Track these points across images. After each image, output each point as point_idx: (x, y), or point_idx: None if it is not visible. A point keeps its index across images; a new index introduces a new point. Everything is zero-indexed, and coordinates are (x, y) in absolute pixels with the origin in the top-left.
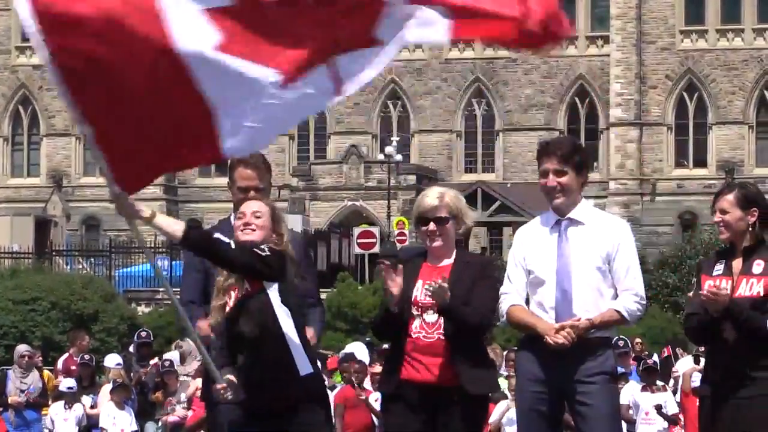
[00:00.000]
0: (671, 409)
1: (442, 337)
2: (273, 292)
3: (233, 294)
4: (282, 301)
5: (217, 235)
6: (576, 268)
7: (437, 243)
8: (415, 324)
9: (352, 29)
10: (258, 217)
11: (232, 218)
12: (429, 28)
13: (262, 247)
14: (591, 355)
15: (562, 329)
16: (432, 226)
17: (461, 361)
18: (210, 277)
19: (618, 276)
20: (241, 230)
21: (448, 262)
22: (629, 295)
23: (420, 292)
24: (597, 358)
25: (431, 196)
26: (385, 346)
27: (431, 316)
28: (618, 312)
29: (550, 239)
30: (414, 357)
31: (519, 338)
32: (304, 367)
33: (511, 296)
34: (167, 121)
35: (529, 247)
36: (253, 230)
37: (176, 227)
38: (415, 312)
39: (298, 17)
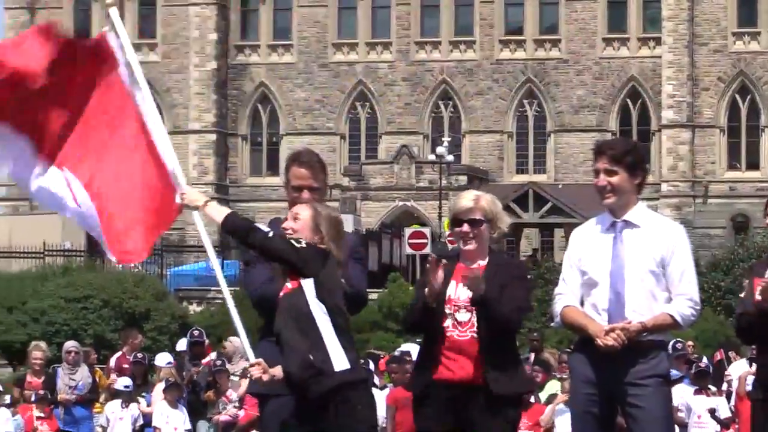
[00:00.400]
0: (724, 413)
1: (475, 336)
2: (309, 288)
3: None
4: (317, 296)
5: (257, 224)
6: (630, 270)
7: (470, 246)
8: (448, 323)
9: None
10: (296, 219)
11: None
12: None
13: (299, 239)
14: (644, 358)
15: (613, 331)
16: (465, 227)
17: (491, 361)
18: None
19: (672, 280)
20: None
21: (481, 264)
22: (683, 299)
23: (454, 291)
24: (650, 361)
25: (467, 198)
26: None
27: (463, 315)
28: (671, 316)
29: (605, 241)
30: (446, 356)
31: (572, 340)
32: (339, 362)
33: (565, 297)
34: None
35: (584, 248)
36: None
37: (219, 213)
38: (448, 311)
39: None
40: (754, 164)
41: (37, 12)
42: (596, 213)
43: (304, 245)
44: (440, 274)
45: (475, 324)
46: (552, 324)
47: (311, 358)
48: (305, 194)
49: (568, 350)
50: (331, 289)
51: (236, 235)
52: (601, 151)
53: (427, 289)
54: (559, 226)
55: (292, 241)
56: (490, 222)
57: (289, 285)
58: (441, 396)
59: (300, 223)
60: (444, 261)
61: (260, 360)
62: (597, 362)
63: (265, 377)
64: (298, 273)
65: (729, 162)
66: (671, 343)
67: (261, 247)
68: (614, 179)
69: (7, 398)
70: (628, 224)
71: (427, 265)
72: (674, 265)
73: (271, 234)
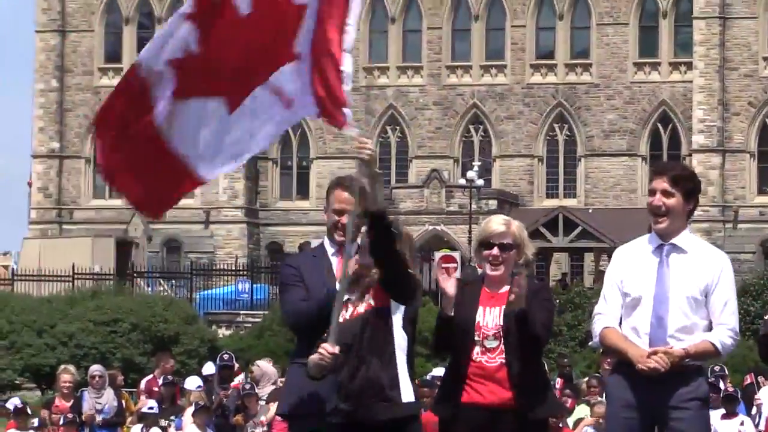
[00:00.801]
0: None
1: (504, 362)
2: (398, 314)
3: (349, 308)
4: (403, 326)
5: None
6: (674, 295)
7: (498, 271)
8: (477, 350)
9: (276, 48)
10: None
11: (325, 242)
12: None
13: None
14: (684, 381)
15: (655, 354)
16: (496, 251)
17: (521, 385)
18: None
19: (714, 309)
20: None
21: (505, 289)
22: (725, 329)
23: (482, 317)
24: (690, 384)
25: (497, 222)
26: None
27: (492, 342)
28: (713, 345)
29: (650, 263)
30: (476, 381)
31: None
32: (407, 394)
33: (605, 318)
34: (159, 178)
35: (628, 268)
36: None
37: (383, 202)
38: (476, 338)
39: (230, 52)
40: None
41: (68, 35)
42: (627, 237)
43: (416, 276)
44: (452, 279)
45: (504, 350)
46: (590, 343)
47: (382, 383)
48: (345, 218)
49: (598, 374)
50: (415, 321)
51: (386, 231)
52: (662, 171)
53: (442, 298)
54: (588, 251)
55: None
56: (518, 247)
57: (372, 302)
58: (471, 419)
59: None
60: (453, 264)
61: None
62: (637, 385)
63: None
64: (398, 297)
65: (759, 187)
66: (710, 366)
67: (395, 253)
68: (670, 201)
69: (35, 421)
70: (675, 248)
71: (438, 272)
72: (717, 294)
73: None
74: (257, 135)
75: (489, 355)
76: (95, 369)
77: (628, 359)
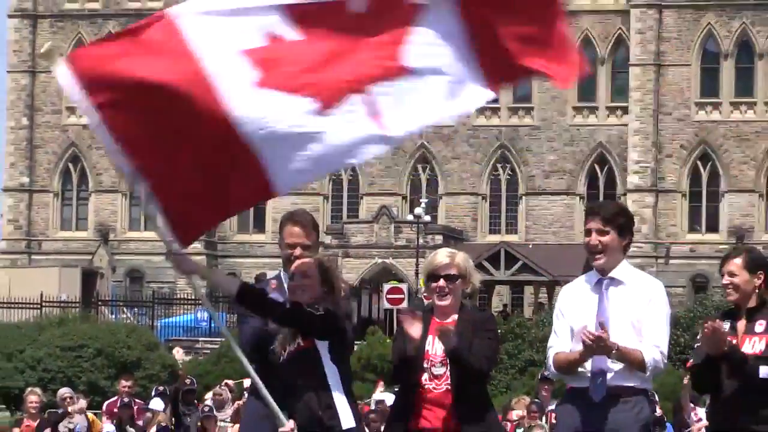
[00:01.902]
0: None
1: (450, 388)
2: (323, 348)
3: (287, 347)
4: (331, 358)
5: (271, 294)
6: (614, 324)
7: (445, 301)
8: (425, 377)
9: (379, 58)
10: (307, 277)
11: (281, 274)
12: (466, 90)
13: (317, 307)
14: (629, 406)
15: (592, 335)
16: (442, 282)
17: (465, 412)
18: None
19: (646, 330)
20: (293, 292)
21: (453, 318)
22: (652, 346)
23: (431, 346)
24: (634, 409)
25: (442, 255)
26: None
27: (439, 369)
28: (641, 354)
29: (591, 297)
30: (423, 407)
31: (563, 393)
32: (347, 420)
33: (555, 349)
34: (217, 172)
35: (572, 304)
36: (304, 291)
37: (232, 285)
38: (425, 365)
39: (329, 49)
40: (713, 227)
41: (38, 75)
42: (565, 271)
43: (322, 312)
44: (417, 325)
45: (449, 377)
46: (547, 374)
47: (321, 414)
48: (297, 251)
49: (537, 400)
50: (344, 351)
51: (252, 308)
52: (595, 212)
53: (407, 341)
54: (528, 284)
55: (311, 310)
56: (463, 278)
57: (301, 342)
58: None
59: (310, 279)
60: (419, 312)
61: (293, 426)
62: (584, 412)
63: None
64: (313, 335)
65: (690, 225)
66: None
67: (282, 321)
68: (605, 239)
69: None
70: (613, 281)
71: (402, 317)
72: (649, 316)
73: (287, 305)
74: (345, 148)
75: (436, 381)
76: (65, 391)
77: (580, 358)
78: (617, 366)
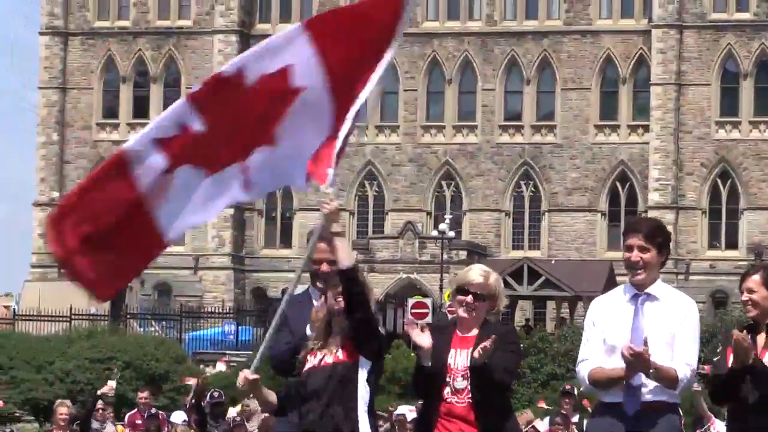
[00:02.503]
0: None
1: (471, 403)
2: (364, 369)
3: (317, 354)
4: (367, 379)
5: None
6: (649, 339)
7: (470, 315)
8: (447, 390)
9: (260, 128)
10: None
11: (310, 289)
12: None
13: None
14: (659, 418)
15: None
16: (470, 298)
17: (487, 423)
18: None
19: (678, 348)
20: (330, 306)
21: (475, 332)
22: (684, 364)
23: (453, 359)
24: (664, 421)
25: (477, 273)
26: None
27: (460, 383)
28: (675, 372)
29: (627, 311)
30: (446, 419)
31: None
32: None
33: (589, 362)
34: (129, 246)
35: (606, 317)
36: (341, 303)
37: (351, 256)
38: (447, 379)
39: (223, 130)
40: (733, 244)
41: (68, 92)
42: (586, 287)
43: (383, 332)
44: (425, 335)
45: (471, 391)
46: (582, 389)
47: (344, 430)
48: (324, 266)
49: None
50: (379, 374)
51: (356, 286)
52: (636, 229)
53: (419, 351)
54: (551, 299)
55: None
56: (492, 299)
57: (341, 356)
58: None
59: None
60: (421, 322)
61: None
62: (615, 423)
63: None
64: (365, 352)
65: (710, 242)
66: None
67: (367, 313)
68: (646, 256)
69: None
70: (649, 297)
71: (407, 328)
72: (681, 335)
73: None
74: (211, 205)
75: (458, 396)
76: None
77: (620, 376)
78: (651, 382)
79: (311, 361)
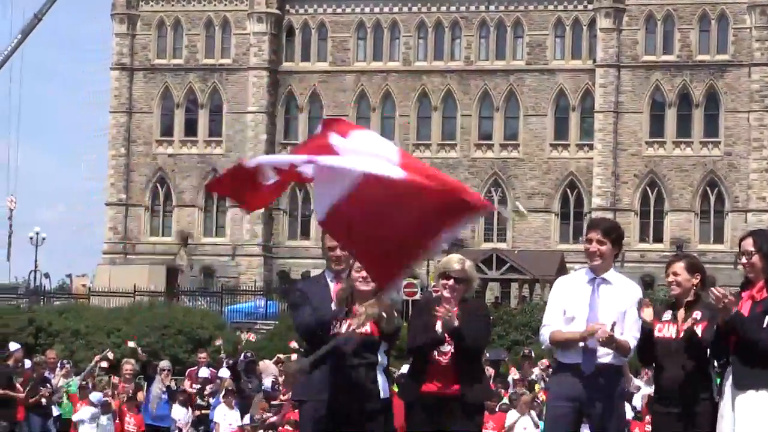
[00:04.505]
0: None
1: (453, 361)
2: (384, 343)
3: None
4: (385, 351)
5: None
6: (601, 316)
7: (452, 295)
8: (435, 352)
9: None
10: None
11: (326, 272)
12: None
13: (395, 302)
14: (607, 379)
15: (595, 331)
16: (452, 282)
17: (465, 379)
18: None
19: (628, 323)
20: (357, 284)
21: (456, 308)
22: (632, 337)
23: (440, 328)
24: (611, 381)
25: (455, 261)
26: None
27: (445, 347)
28: (629, 343)
29: (585, 290)
30: (433, 375)
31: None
32: (384, 392)
33: (550, 327)
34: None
35: (568, 293)
36: (367, 282)
37: (392, 324)
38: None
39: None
40: (659, 239)
41: (134, 115)
42: (543, 272)
43: (396, 317)
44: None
45: (452, 352)
46: (543, 346)
47: (366, 384)
48: (338, 251)
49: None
50: (393, 345)
51: (392, 339)
52: (596, 226)
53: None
54: (514, 281)
55: (396, 315)
56: (467, 282)
57: (368, 329)
58: (429, 403)
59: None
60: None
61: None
62: (570, 383)
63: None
64: (387, 341)
65: (641, 236)
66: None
67: (396, 336)
68: (603, 248)
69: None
70: (604, 281)
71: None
72: (631, 314)
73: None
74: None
75: (444, 357)
76: (164, 364)
77: (578, 339)
78: (605, 348)
79: (339, 327)
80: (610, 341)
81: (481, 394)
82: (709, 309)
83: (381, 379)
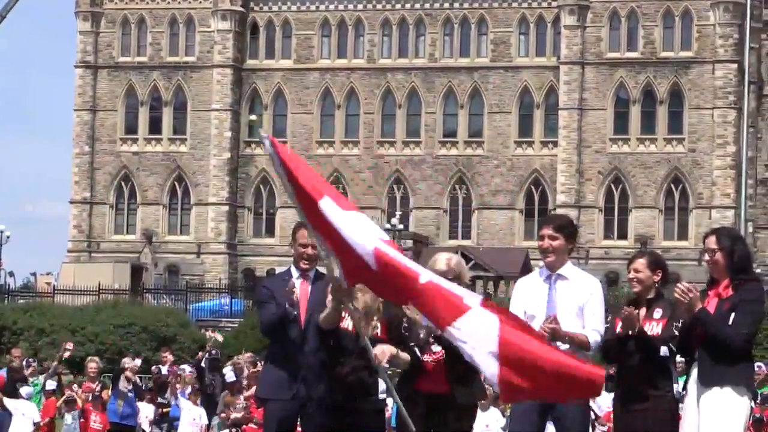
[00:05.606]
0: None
1: (444, 362)
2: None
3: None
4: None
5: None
6: (560, 310)
7: None
8: (426, 353)
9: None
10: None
11: (291, 269)
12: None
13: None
14: None
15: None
16: None
17: (455, 380)
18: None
19: (587, 318)
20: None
21: None
22: (593, 331)
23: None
24: None
25: (442, 261)
26: None
27: (436, 347)
28: (586, 338)
29: (542, 288)
30: (424, 374)
31: None
32: (382, 391)
33: None
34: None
35: (526, 293)
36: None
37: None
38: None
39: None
40: (623, 235)
41: (97, 113)
42: (507, 269)
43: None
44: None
45: (444, 353)
46: None
47: (368, 382)
48: (309, 249)
49: None
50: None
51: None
52: (548, 222)
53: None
54: (479, 278)
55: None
56: (457, 278)
57: (378, 332)
58: (420, 401)
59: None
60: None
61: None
62: None
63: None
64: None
65: (605, 233)
66: None
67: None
68: (555, 243)
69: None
70: (560, 277)
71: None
72: (589, 307)
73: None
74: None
75: (434, 356)
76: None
77: None
78: (566, 345)
79: (346, 327)
80: (556, 334)
81: (473, 395)
82: (671, 305)
83: (381, 372)
